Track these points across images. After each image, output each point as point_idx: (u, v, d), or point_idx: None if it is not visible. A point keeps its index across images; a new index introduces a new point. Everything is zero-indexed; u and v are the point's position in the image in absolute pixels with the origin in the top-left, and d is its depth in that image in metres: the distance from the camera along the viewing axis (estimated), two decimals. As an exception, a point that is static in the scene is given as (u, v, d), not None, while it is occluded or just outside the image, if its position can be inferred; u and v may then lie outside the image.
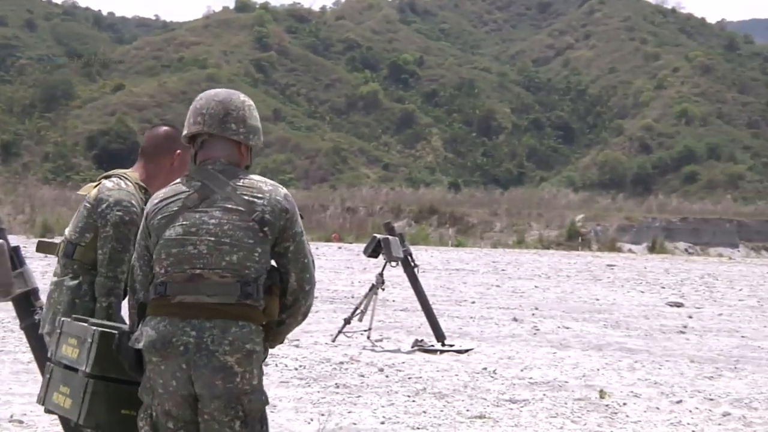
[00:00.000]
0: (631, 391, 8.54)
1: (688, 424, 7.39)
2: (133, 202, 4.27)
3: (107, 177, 4.45)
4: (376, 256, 11.31)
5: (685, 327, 13.53)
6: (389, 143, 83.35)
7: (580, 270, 24.40)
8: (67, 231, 4.39)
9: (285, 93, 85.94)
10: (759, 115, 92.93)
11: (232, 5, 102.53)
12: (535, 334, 12.31)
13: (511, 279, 20.87)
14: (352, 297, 15.23)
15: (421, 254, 24.27)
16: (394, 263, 11.18)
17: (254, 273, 3.45)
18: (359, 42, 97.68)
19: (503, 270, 23.45)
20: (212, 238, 3.45)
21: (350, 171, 73.69)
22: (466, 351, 10.69)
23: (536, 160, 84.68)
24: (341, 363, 9.56)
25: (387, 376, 8.95)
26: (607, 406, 7.91)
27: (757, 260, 36.39)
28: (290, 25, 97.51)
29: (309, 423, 7.04)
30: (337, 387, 8.38)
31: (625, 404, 7.98)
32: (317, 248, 29.68)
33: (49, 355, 3.96)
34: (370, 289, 11.21)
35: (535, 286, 19.15)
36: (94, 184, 4.44)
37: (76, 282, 4.25)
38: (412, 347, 10.83)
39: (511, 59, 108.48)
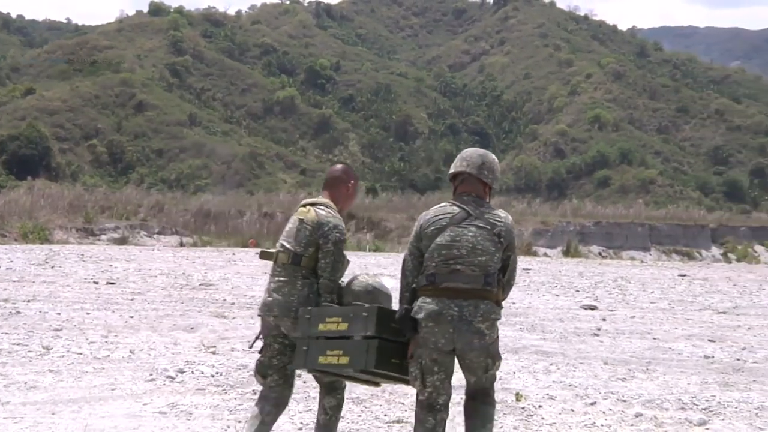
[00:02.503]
0: (547, 394, 8.63)
1: (602, 425, 7.50)
2: (343, 226, 5.88)
3: (313, 204, 5.94)
4: (293, 262, 11.24)
5: (598, 329, 13.72)
6: (306, 148, 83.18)
7: (497, 274, 24.60)
8: (285, 243, 5.87)
9: (200, 98, 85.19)
10: (669, 120, 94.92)
11: (145, 9, 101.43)
12: (452, 338, 12.35)
13: (429, 283, 20.91)
14: (270, 303, 15.12)
15: (338, 259, 24.19)
16: (311, 269, 11.13)
17: (492, 269, 5.27)
18: (275, 47, 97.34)
19: (420, 274, 23.50)
20: (470, 245, 5.27)
21: (267, 176, 73.32)
22: (384, 356, 10.67)
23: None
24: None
25: (305, 382, 8.91)
26: (523, 408, 7.99)
27: (668, 263, 37.10)
28: (205, 29, 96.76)
29: (226, 430, 6.98)
30: (255, 394, 8.31)
31: (540, 406, 8.07)
32: (234, 254, 29.44)
33: (299, 335, 5.60)
34: (288, 295, 11.14)
35: (452, 291, 19.21)
36: (306, 209, 5.91)
37: (307, 281, 5.77)
38: (330, 353, 10.78)
39: (428, 64, 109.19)
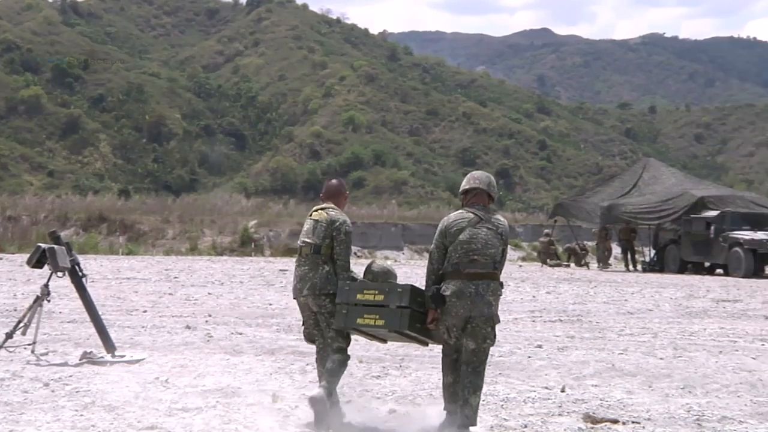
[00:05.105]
0: (303, 394, 8.67)
1: (357, 423, 7.62)
2: (350, 221, 7.79)
3: (323, 209, 7.78)
4: (41, 267, 10.84)
5: (354, 328, 13.92)
6: (54, 149, 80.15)
7: (254, 275, 24.57)
8: (307, 239, 7.69)
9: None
10: (419, 123, 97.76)
11: None
12: (208, 341, 12.25)
13: (185, 286, 20.67)
14: (15, 310, 14.49)
15: (90, 263, 23.49)
16: (60, 273, 10.76)
17: (498, 257, 7.18)
18: (18, 43, 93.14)
19: (176, 278, 23.18)
20: (483, 241, 7.12)
21: (11, 178, 70.17)
22: (138, 361, 10.46)
23: (208, 167, 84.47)
24: (2, 380, 9.09)
25: (53, 391, 8.60)
26: (279, 409, 8.01)
27: (420, 261, 38.14)
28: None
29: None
30: (7, 405, 7.95)
31: (297, 407, 8.11)
32: (-24, 260, 28.00)
33: (338, 301, 7.34)
34: (35, 301, 10.74)
35: (209, 293, 19.07)
36: (318, 213, 7.76)
37: (326, 265, 7.53)
38: (81, 360, 10.46)
39: (181, 65, 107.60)
